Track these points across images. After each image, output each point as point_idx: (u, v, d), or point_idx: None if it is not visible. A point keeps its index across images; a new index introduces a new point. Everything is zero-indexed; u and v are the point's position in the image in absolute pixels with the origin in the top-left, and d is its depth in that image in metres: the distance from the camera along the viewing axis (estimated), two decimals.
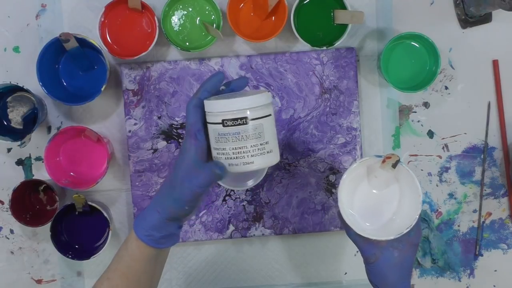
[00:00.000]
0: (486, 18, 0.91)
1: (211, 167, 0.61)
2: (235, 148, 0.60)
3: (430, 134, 0.93)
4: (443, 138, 0.93)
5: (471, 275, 0.95)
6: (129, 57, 0.87)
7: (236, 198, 0.91)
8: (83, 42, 0.86)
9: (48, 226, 0.87)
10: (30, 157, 0.92)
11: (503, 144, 0.93)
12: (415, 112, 0.93)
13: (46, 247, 0.93)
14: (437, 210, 0.94)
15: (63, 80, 0.90)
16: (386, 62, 0.90)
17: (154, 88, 0.90)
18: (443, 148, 0.93)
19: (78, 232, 0.91)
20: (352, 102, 0.91)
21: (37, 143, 0.91)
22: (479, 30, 0.92)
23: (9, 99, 0.91)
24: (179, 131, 0.91)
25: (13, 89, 0.89)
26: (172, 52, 0.92)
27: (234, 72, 0.90)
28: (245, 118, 0.59)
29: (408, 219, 0.66)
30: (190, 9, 0.89)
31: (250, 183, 0.86)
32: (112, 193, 0.93)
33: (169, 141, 0.91)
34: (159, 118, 0.90)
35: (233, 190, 0.91)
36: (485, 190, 0.94)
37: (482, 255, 0.94)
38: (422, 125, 0.93)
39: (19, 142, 0.85)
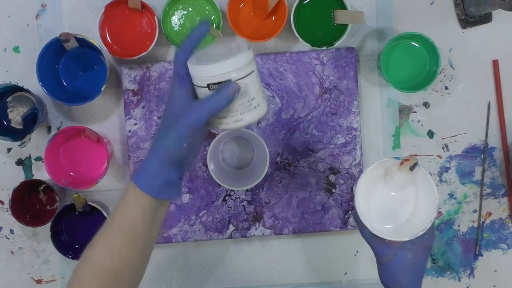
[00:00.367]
0: (486, 18, 0.91)
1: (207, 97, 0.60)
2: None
3: (430, 134, 0.93)
4: (443, 138, 0.93)
5: (471, 275, 0.95)
6: (129, 57, 0.86)
7: (236, 198, 0.91)
8: (83, 42, 0.86)
9: (48, 226, 0.87)
10: (30, 157, 0.92)
11: (503, 144, 0.93)
12: (415, 112, 0.93)
13: (46, 247, 0.93)
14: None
15: (63, 80, 0.90)
16: (386, 62, 0.90)
17: (154, 88, 0.90)
18: (443, 148, 0.93)
19: (78, 232, 0.91)
20: (352, 102, 0.91)
21: (37, 143, 0.91)
22: (479, 30, 0.92)
23: (9, 99, 0.91)
24: None
25: (13, 89, 0.89)
26: (172, 52, 0.92)
27: None
28: (229, 80, 0.59)
29: (423, 222, 0.67)
30: (190, 9, 0.89)
31: (250, 183, 0.86)
32: (112, 193, 0.93)
33: None
34: (159, 118, 0.90)
35: (233, 190, 0.91)
36: (485, 190, 0.94)
37: (482, 255, 0.94)
38: (422, 125, 0.93)
39: (19, 142, 0.85)
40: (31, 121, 0.89)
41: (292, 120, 0.91)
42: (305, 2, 0.89)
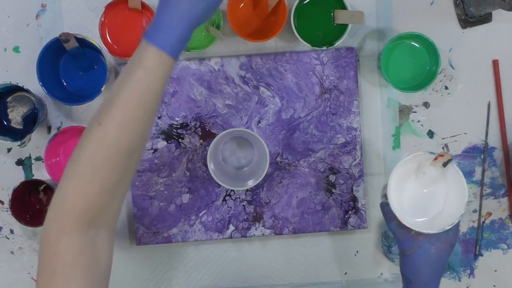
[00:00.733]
0: (486, 18, 0.91)
1: None
2: None
3: (430, 134, 0.93)
4: (443, 138, 0.93)
5: (471, 275, 0.95)
6: (129, 57, 0.85)
7: (236, 198, 0.91)
8: (83, 42, 0.86)
9: None
10: (30, 157, 0.92)
11: (503, 144, 0.93)
12: (415, 112, 0.93)
13: None
14: None
15: (63, 80, 0.90)
16: (386, 62, 0.90)
17: None
18: (443, 148, 0.93)
19: None
20: (352, 102, 0.91)
21: (37, 143, 0.91)
22: (479, 30, 0.92)
23: (9, 99, 0.91)
24: (179, 131, 0.91)
25: (13, 89, 0.89)
26: None
27: (234, 72, 0.90)
28: None
29: (451, 218, 0.68)
30: None
31: (250, 183, 0.86)
32: None
33: (169, 141, 0.91)
34: (159, 118, 0.90)
35: (233, 190, 0.91)
36: (485, 190, 0.94)
37: (482, 255, 0.94)
38: (422, 125, 0.93)
39: (19, 142, 0.85)
40: (31, 121, 0.89)
41: (292, 120, 0.91)
42: (305, 2, 0.89)
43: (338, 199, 0.91)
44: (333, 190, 0.91)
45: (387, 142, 0.93)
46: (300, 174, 0.91)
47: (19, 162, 0.92)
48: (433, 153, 0.69)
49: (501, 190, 0.94)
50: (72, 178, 0.55)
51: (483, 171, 0.93)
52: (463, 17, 0.91)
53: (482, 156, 0.94)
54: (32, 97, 0.88)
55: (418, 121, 0.93)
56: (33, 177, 0.92)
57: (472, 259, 0.95)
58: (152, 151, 0.90)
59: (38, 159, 0.92)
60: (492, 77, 0.93)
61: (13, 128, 0.91)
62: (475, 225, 0.94)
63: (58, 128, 0.92)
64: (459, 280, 0.94)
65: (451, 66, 0.93)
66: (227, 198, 0.91)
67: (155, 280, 0.94)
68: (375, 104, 0.93)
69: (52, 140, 0.87)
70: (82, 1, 0.91)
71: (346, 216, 0.91)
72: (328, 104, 0.91)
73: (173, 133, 0.91)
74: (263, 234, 0.91)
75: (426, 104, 0.93)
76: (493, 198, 0.94)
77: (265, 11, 0.87)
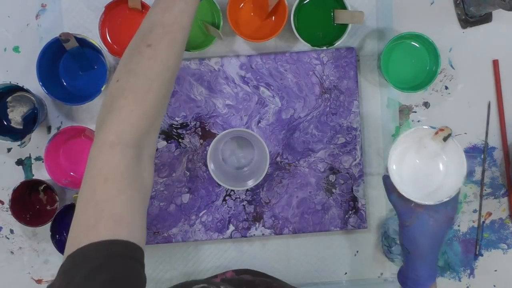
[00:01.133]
0: (486, 18, 0.91)
1: None
2: None
3: None
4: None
5: (471, 275, 0.95)
6: None
7: (236, 198, 0.91)
8: (83, 42, 0.86)
9: (48, 226, 0.87)
10: (30, 157, 0.92)
11: (503, 144, 0.93)
12: (415, 112, 0.93)
13: (46, 247, 0.93)
14: None
15: (63, 80, 0.90)
16: (386, 62, 0.90)
17: None
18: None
19: None
20: (352, 102, 0.91)
21: (37, 143, 0.92)
22: (479, 30, 0.92)
23: (9, 99, 0.91)
24: (179, 131, 0.91)
25: (13, 89, 0.89)
26: None
27: (234, 72, 0.90)
28: None
29: (449, 190, 0.69)
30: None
31: (250, 183, 0.86)
32: None
33: (169, 141, 0.91)
34: None
35: (233, 190, 0.91)
36: (485, 190, 0.94)
37: (482, 255, 0.94)
38: (422, 125, 0.93)
39: (19, 142, 0.85)
40: (31, 121, 0.89)
41: (292, 120, 0.91)
42: (305, 2, 0.89)
43: (338, 199, 0.91)
44: (333, 190, 0.91)
45: (387, 142, 0.93)
46: (300, 174, 0.91)
47: (19, 162, 0.92)
48: (434, 128, 0.70)
49: (501, 190, 0.94)
50: (130, 89, 0.60)
51: (483, 171, 0.93)
52: (463, 17, 0.91)
53: (482, 156, 0.94)
54: (32, 97, 0.88)
55: (418, 121, 0.93)
56: (33, 177, 0.92)
57: (472, 259, 0.95)
58: None
59: (38, 159, 0.92)
60: (492, 77, 0.93)
61: (13, 128, 0.91)
62: (475, 225, 0.94)
63: (58, 128, 0.92)
64: (459, 280, 0.95)
65: (451, 66, 0.93)
66: (227, 198, 0.91)
67: (155, 280, 0.94)
68: (375, 104, 0.93)
69: (52, 140, 0.87)
70: (82, 1, 0.91)
71: (346, 216, 0.91)
72: (328, 104, 0.91)
73: (173, 133, 0.91)
74: (263, 234, 0.91)
75: (426, 104, 0.93)
76: (493, 198, 0.94)
77: (265, 11, 0.87)
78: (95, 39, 0.86)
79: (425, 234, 0.70)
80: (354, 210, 0.91)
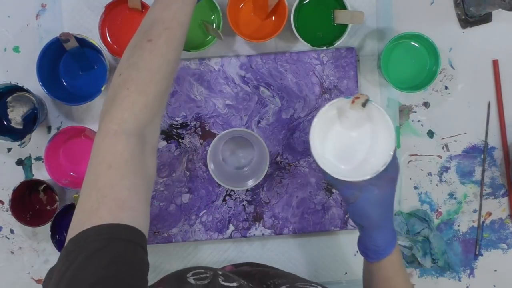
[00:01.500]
0: (486, 18, 0.91)
1: None
2: None
3: (430, 134, 0.93)
4: (443, 138, 0.93)
5: (471, 275, 0.95)
6: None
7: (236, 198, 0.91)
8: (83, 42, 0.86)
9: (48, 226, 0.87)
10: (30, 157, 0.92)
11: (503, 144, 0.93)
12: (415, 112, 0.93)
13: (46, 247, 0.93)
14: (437, 210, 0.94)
15: (63, 80, 0.90)
16: (386, 62, 0.90)
17: None
18: (443, 148, 0.94)
19: None
20: None
21: (37, 143, 0.92)
22: (479, 30, 0.92)
23: (9, 99, 0.91)
24: (179, 131, 0.91)
25: (13, 89, 0.89)
26: None
27: (234, 72, 0.90)
28: None
29: (384, 156, 0.66)
30: None
31: (250, 183, 0.86)
32: None
33: (169, 141, 0.91)
34: None
35: (233, 190, 0.91)
36: (485, 190, 0.94)
37: (482, 255, 0.95)
38: (422, 125, 0.93)
39: (19, 142, 0.85)
40: (31, 121, 0.89)
41: (292, 120, 0.91)
42: (305, 2, 0.89)
43: (338, 199, 0.91)
44: (333, 190, 0.91)
45: None
46: (300, 174, 0.91)
47: (19, 162, 0.92)
48: (349, 97, 0.67)
49: (501, 190, 0.94)
50: (132, 81, 0.61)
51: (483, 171, 0.93)
52: (463, 17, 0.91)
53: (482, 156, 0.94)
54: (32, 97, 0.88)
55: (418, 121, 0.93)
56: (33, 177, 0.92)
57: (472, 259, 0.95)
58: None
59: (38, 159, 0.92)
60: (492, 77, 0.93)
61: (13, 128, 0.91)
62: (475, 225, 0.94)
63: (58, 128, 0.92)
64: (459, 280, 0.95)
65: (451, 66, 0.93)
66: (227, 198, 0.91)
67: (155, 280, 0.93)
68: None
69: (52, 140, 0.87)
70: (82, 1, 0.91)
71: (346, 216, 0.91)
72: None
73: (173, 133, 0.91)
74: (263, 234, 0.91)
75: (426, 104, 0.93)
76: (493, 198, 0.94)
77: (265, 11, 0.87)
78: (95, 39, 0.86)
79: (373, 205, 0.67)
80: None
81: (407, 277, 0.72)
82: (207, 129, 0.90)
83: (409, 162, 0.93)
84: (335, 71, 0.90)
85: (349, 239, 0.94)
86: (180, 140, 0.91)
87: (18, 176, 0.92)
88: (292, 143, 0.91)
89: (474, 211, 0.94)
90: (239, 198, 0.91)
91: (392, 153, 0.66)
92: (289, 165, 0.91)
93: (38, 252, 0.93)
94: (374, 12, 0.92)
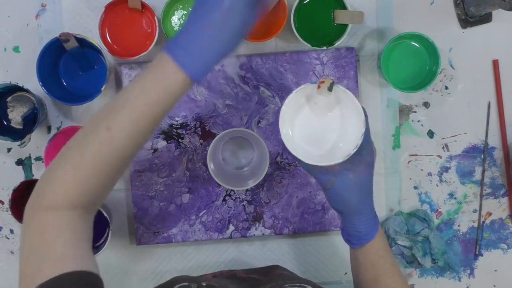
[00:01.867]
0: (486, 18, 0.91)
1: None
2: None
3: (430, 134, 0.93)
4: (443, 138, 0.93)
5: (471, 275, 0.95)
6: (129, 57, 0.86)
7: (236, 198, 0.91)
8: (83, 42, 0.86)
9: None
10: (30, 157, 0.92)
11: (503, 144, 0.93)
12: (415, 112, 0.93)
13: None
14: (437, 210, 0.94)
15: (63, 80, 0.90)
16: (386, 62, 0.90)
17: None
18: (443, 148, 0.94)
19: None
20: None
21: (37, 143, 0.92)
22: (479, 30, 0.92)
23: (9, 99, 0.91)
24: (179, 131, 0.91)
25: (13, 89, 0.89)
26: None
27: (234, 72, 0.90)
28: None
29: (355, 140, 0.65)
30: (190, 9, 0.89)
31: (250, 183, 0.86)
32: (112, 193, 0.92)
33: (169, 141, 0.91)
34: None
35: (233, 190, 0.91)
36: (485, 190, 0.94)
37: (482, 255, 0.95)
38: (422, 125, 0.93)
39: (19, 142, 0.85)
40: (31, 121, 0.89)
41: None
42: (305, 2, 0.89)
43: None
44: None
45: (387, 142, 0.93)
46: (300, 174, 0.91)
47: (19, 162, 0.92)
48: (315, 83, 0.67)
49: (501, 190, 0.94)
50: (72, 168, 0.58)
51: (483, 171, 0.93)
52: (463, 17, 0.91)
53: (482, 156, 0.94)
54: (32, 97, 0.88)
55: (418, 121, 0.93)
56: (33, 177, 0.92)
57: (472, 259, 0.95)
58: (152, 151, 0.90)
59: (38, 159, 0.92)
60: (492, 77, 0.93)
61: (13, 128, 0.91)
62: (475, 225, 0.94)
63: (58, 128, 0.92)
64: (459, 280, 0.95)
65: (451, 66, 0.93)
66: (227, 198, 0.91)
67: (155, 280, 0.94)
68: (375, 104, 0.93)
69: (52, 140, 0.87)
70: (82, 1, 0.91)
71: None
72: None
73: (173, 133, 0.91)
74: (263, 234, 0.91)
75: (426, 104, 0.93)
76: (493, 198, 0.94)
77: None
78: (95, 39, 0.86)
79: (349, 190, 0.67)
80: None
81: (395, 262, 0.72)
82: (207, 129, 0.90)
83: (409, 162, 0.93)
84: (335, 71, 0.90)
85: None
86: (180, 140, 0.91)
87: (18, 176, 0.92)
88: None
89: (474, 211, 0.94)
90: (239, 198, 0.91)
91: (362, 136, 0.65)
92: (289, 165, 0.91)
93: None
94: (374, 12, 0.92)
